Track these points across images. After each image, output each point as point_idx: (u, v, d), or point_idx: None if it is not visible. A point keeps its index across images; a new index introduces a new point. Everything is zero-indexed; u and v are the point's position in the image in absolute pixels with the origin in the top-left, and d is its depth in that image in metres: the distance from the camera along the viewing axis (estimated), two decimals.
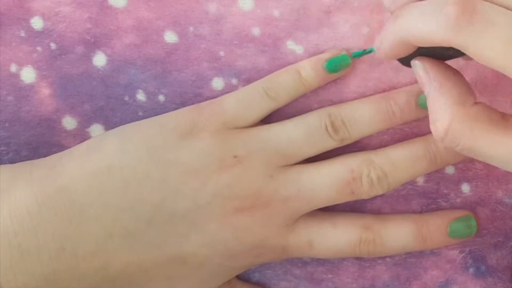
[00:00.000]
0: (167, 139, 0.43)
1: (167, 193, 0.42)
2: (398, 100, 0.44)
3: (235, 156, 0.43)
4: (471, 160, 0.45)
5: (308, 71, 0.44)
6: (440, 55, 0.39)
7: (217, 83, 0.45)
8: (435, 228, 0.45)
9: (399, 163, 0.44)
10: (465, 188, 0.45)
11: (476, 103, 0.38)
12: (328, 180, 0.43)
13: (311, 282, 0.46)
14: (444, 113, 0.37)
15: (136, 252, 0.43)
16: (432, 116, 0.38)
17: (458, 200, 0.46)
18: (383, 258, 0.46)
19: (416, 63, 0.39)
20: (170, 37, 0.45)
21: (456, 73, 0.38)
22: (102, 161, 0.42)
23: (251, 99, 0.44)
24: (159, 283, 0.44)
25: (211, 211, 0.43)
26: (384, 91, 0.45)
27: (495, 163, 0.38)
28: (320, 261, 0.46)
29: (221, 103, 0.44)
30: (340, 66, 0.44)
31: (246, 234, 0.43)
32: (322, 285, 0.46)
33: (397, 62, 0.41)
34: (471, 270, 0.46)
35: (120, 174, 0.42)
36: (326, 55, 0.44)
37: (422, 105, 0.44)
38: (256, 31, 0.45)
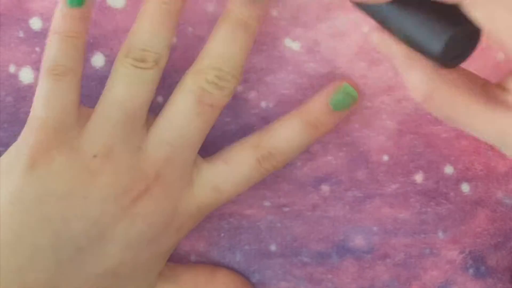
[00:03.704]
0: (21, 181, 0.40)
1: (57, 228, 0.40)
2: None
3: (95, 156, 0.41)
4: (471, 160, 0.45)
5: (60, 22, 0.40)
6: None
7: None
8: (318, 112, 0.43)
9: (223, 50, 0.41)
10: (465, 187, 0.45)
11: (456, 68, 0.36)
12: (182, 116, 0.41)
13: (310, 282, 0.46)
14: (423, 79, 0.36)
15: None
16: (409, 83, 0.36)
17: (458, 199, 0.45)
18: (382, 258, 0.46)
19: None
20: None
21: None
22: None
23: (52, 92, 0.40)
24: None
25: (110, 215, 0.41)
26: (383, 90, 0.45)
27: (475, 134, 0.37)
28: (320, 262, 0.46)
29: (34, 117, 0.40)
30: None
31: (156, 215, 0.41)
32: (322, 285, 0.46)
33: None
34: (471, 270, 0.46)
35: None
36: None
37: None
38: None
